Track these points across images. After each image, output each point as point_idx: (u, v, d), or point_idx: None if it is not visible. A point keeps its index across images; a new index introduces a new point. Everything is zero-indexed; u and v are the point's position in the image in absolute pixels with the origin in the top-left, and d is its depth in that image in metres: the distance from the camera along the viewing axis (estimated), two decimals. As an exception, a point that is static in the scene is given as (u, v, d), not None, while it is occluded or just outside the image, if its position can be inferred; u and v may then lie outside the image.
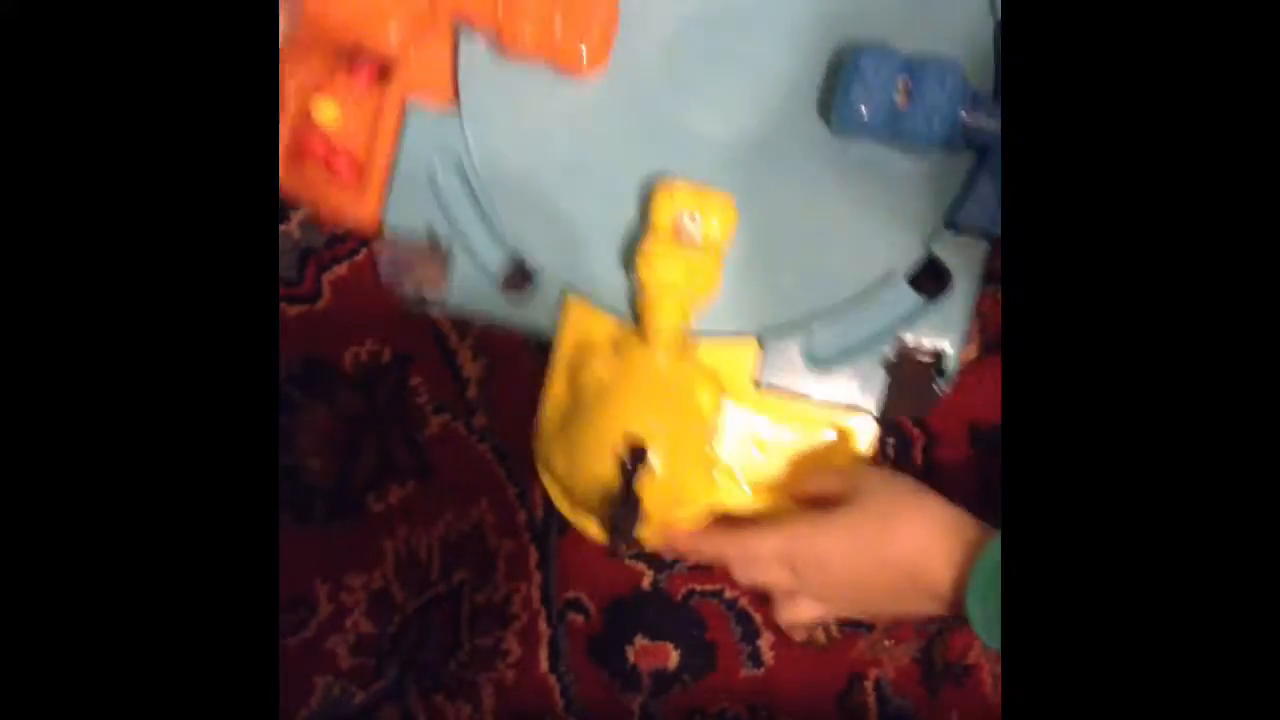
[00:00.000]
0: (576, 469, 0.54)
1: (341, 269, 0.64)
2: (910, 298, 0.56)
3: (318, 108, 0.56)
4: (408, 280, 0.57)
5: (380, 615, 0.64)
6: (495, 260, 0.57)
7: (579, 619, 0.64)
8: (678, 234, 0.54)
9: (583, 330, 0.56)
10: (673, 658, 0.64)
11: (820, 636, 0.63)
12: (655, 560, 0.64)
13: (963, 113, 0.52)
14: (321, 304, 0.65)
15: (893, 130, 0.53)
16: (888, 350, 0.55)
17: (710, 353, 0.56)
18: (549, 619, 0.64)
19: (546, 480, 0.56)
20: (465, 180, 0.57)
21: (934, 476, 0.63)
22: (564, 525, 0.60)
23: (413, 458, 0.64)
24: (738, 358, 0.56)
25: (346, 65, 0.58)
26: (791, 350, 0.56)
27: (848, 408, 0.55)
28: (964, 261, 0.55)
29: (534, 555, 0.64)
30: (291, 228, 0.64)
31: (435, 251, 0.57)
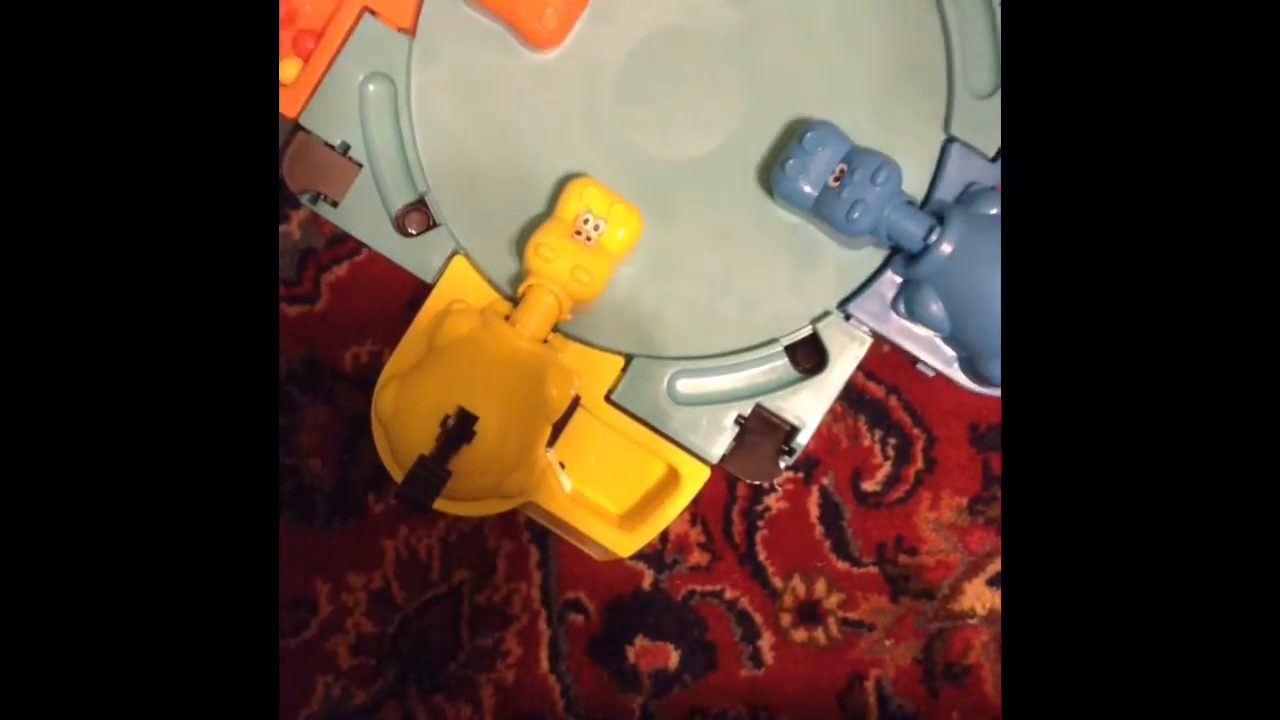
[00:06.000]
0: (402, 414, 0.52)
1: (341, 270, 0.64)
2: (784, 368, 0.56)
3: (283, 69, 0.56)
4: (307, 179, 0.56)
5: (380, 615, 0.64)
6: (398, 196, 0.56)
7: (579, 619, 0.64)
8: (576, 231, 0.54)
9: (459, 291, 0.56)
10: (673, 658, 0.64)
11: (821, 637, 0.63)
12: (657, 560, 0.64)
13: (889, 212, 0.53)
14: (321, 305, 0.65)
15: (817, 209, 0.54)
16: (745, 409, 0.55)
17: (575, 355, 0.55)
18: (549, 619, 0.64)
19: (374, 419, 0.55)
20: (395, 107, 0.57)
21: (934, 476, 0.63)
22: (564, 525, 0.60)
23: (413, 458, 0.64)
24: (600, 368, 0.56)
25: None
26: (656, 379, 0.55)
27: (689, 450, 0.55)
28: (844, 349, 0.56)
29: (534, 555, 0.64)
30: (291, 228, 0.64)
31: (344, 164, 0.56)
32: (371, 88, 0.56)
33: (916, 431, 0.63)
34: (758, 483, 0.59)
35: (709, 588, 0.64)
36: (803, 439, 0.55)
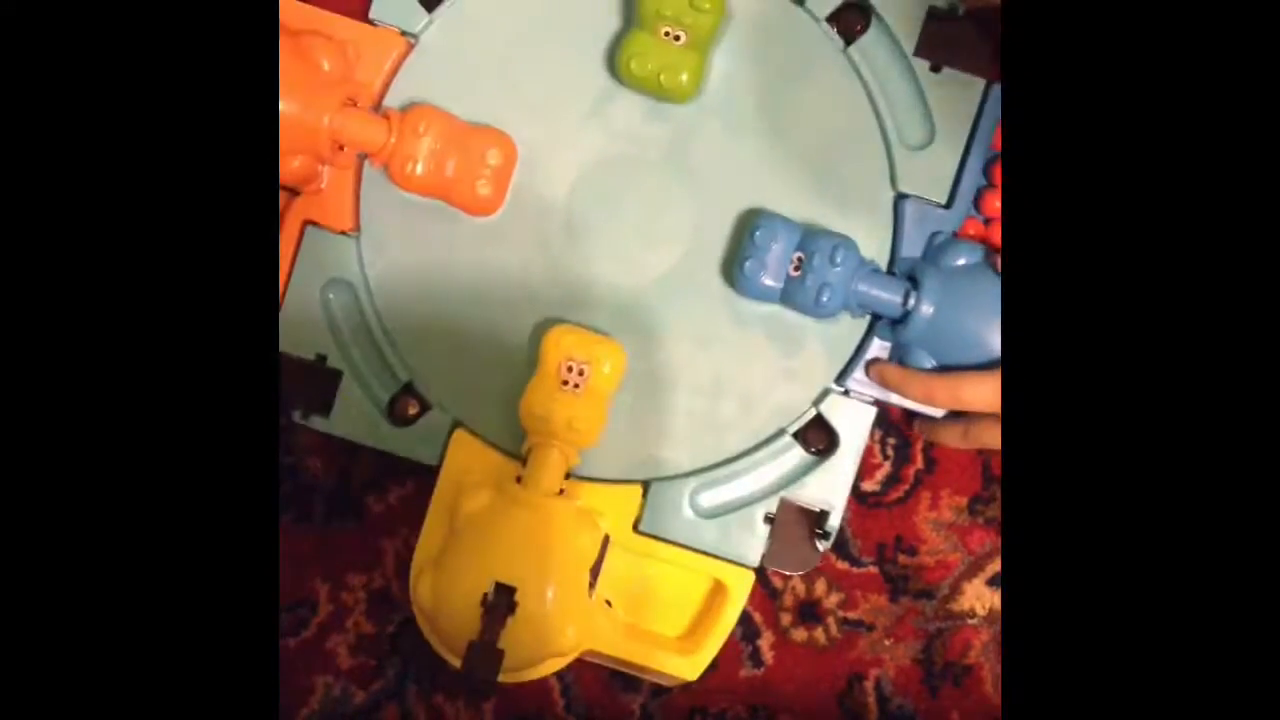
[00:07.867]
0: (443, 603, 0.52)
1: (341, 269, 0.64)
2: (797, 455, 0.56)
3: None
4: (292, 398, 0.56)
5: (380, 615, 0.64)
6: (384, 389, 0.57)
7: (579, 619, 0.64)
8: (564, 380, 0.54)
9: (467, 465, 0.56)
10: (673, 658, 0.64)
11: (820, 636, 0.63)
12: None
13: (857, 285, 0.53)
14: (321, 304, 0.65)
15: (786, 300, 0.54)
16: (771, 505, 0.55)
17: (593, 496, 0.56)
18: (549, 619, 0.64)
19: (415, 610, 0.55)
20: (359, 306, 0.57)
21: (934, 476, 0.63)
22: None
23: (413, 458, 0.64)
24: (621, 502, 0.56)
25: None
26: (677, 499, 0.56)
27: (728, 560, 0.55)
28: (851, 423, 0.56)
29: (534, 555, 0.64)
30: (291, 228, 0.64)
31: (324, 374, 0.57)
32: (332, 295, 0.57)
33: (917, 431, 0.63)
34: (802, 573, 0.59)
35: (709, 587, 0.64)
36: (835, 520, 0.55)
